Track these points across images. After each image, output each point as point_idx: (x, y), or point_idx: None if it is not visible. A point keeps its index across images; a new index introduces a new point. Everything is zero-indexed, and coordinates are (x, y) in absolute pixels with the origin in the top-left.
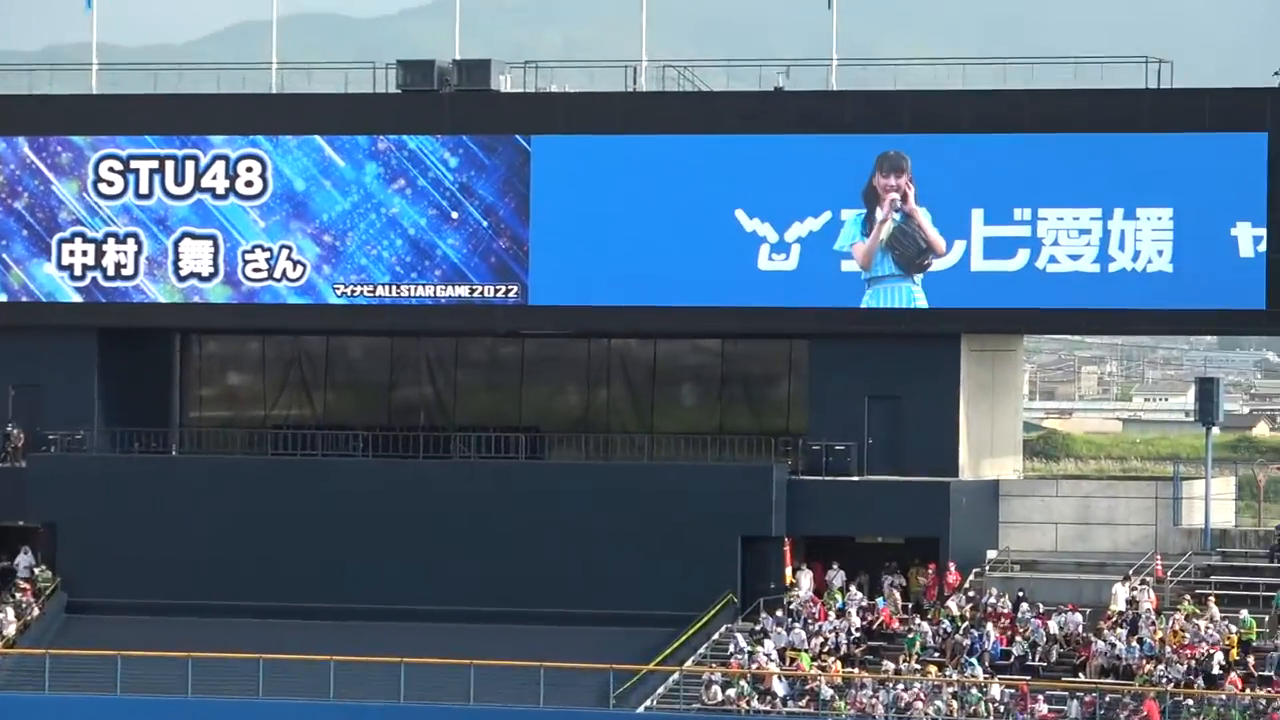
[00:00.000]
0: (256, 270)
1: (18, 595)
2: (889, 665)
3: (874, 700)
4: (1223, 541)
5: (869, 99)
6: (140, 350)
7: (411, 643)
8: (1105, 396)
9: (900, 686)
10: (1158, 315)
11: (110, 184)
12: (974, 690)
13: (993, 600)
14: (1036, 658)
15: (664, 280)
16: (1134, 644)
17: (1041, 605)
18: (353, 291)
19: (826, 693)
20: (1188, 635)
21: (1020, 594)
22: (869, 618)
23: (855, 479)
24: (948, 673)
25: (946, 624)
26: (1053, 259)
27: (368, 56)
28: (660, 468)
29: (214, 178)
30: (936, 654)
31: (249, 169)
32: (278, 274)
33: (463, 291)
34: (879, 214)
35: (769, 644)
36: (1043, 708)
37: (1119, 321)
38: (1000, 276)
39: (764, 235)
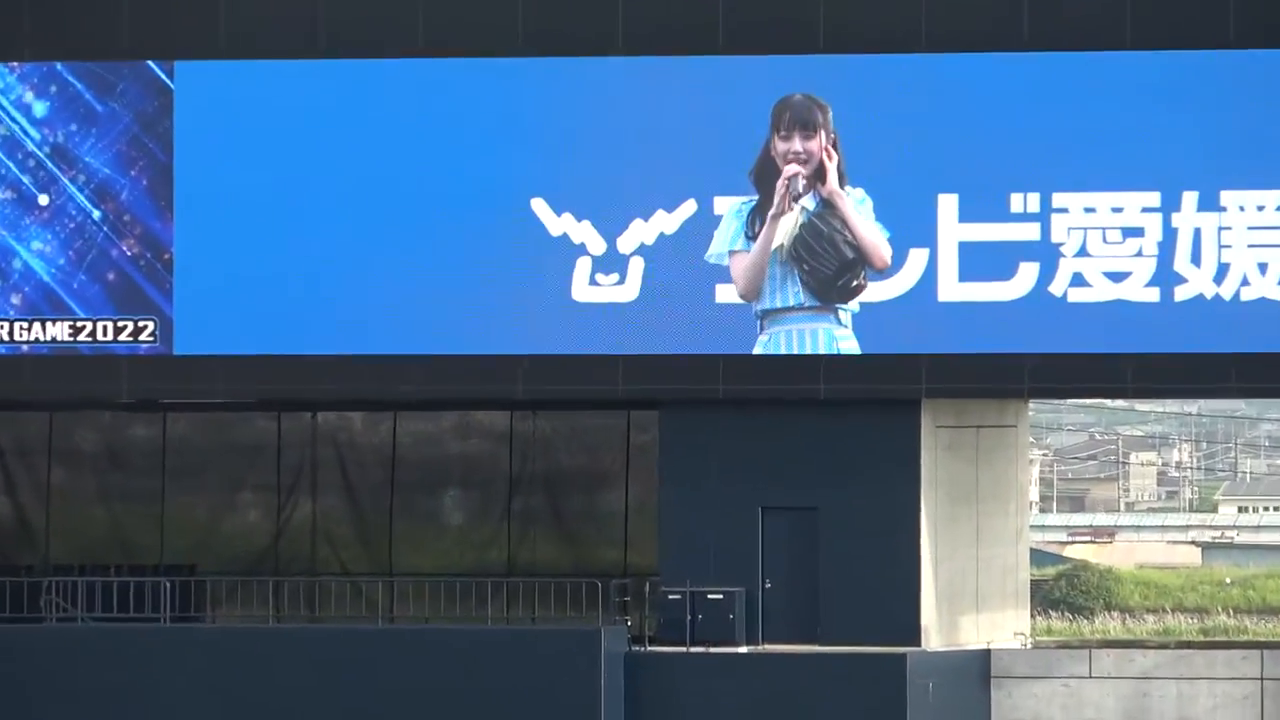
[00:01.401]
0: None
1: None
2: None
3: None
4: None
5: None
6: None
7: None
8: (1171, 505)
9: None
10: (1258, 366)
11: None
12: None
13: None
14: None
15: (410, 315)
16: None
17: None
18: None
19: None
20: None
21: None
22: None
23: (743, 651)
24: None
25: None
26: (1079, 279)
27: None
28: (407, 635)
29: None
30: None
31: None
32: None
33: (60, 332)
34: (776, 202)
35: None
36: None
37: (1193, 377)
38: (989, 309)
39: (582, 242)
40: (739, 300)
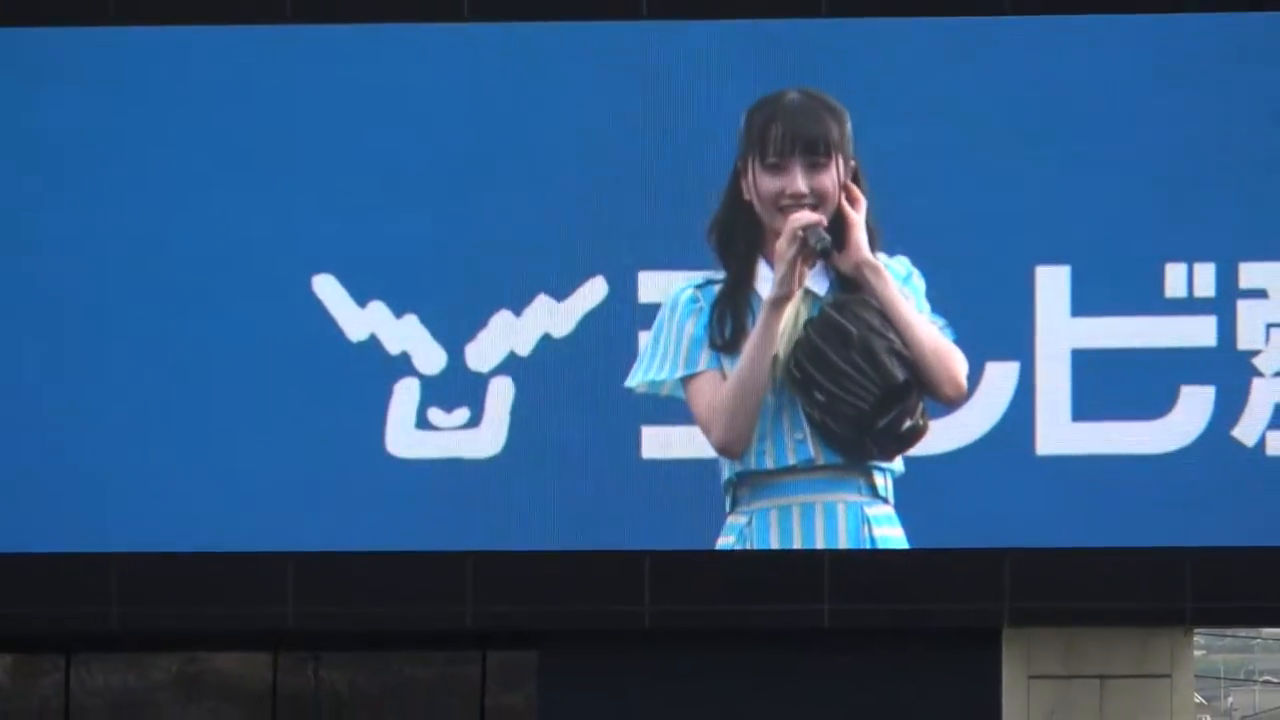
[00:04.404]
0: None
1: None
2: None
3: None
4: None
5: None
6: None
7: None
8: None
9: None
10: None
11: None
12: None
13: None
14: None
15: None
16: None
17: None
18: None
19: None
20: None
21: None
22: None
23: None
24: None
25: None
26: None
27: None
28: None
29: None
30: None
31: None
32: None
33: None
34: (762, 277)
35: None
36: None
37: None
38: (1124, 471)
39: (404, 351)
40: (707, 454)
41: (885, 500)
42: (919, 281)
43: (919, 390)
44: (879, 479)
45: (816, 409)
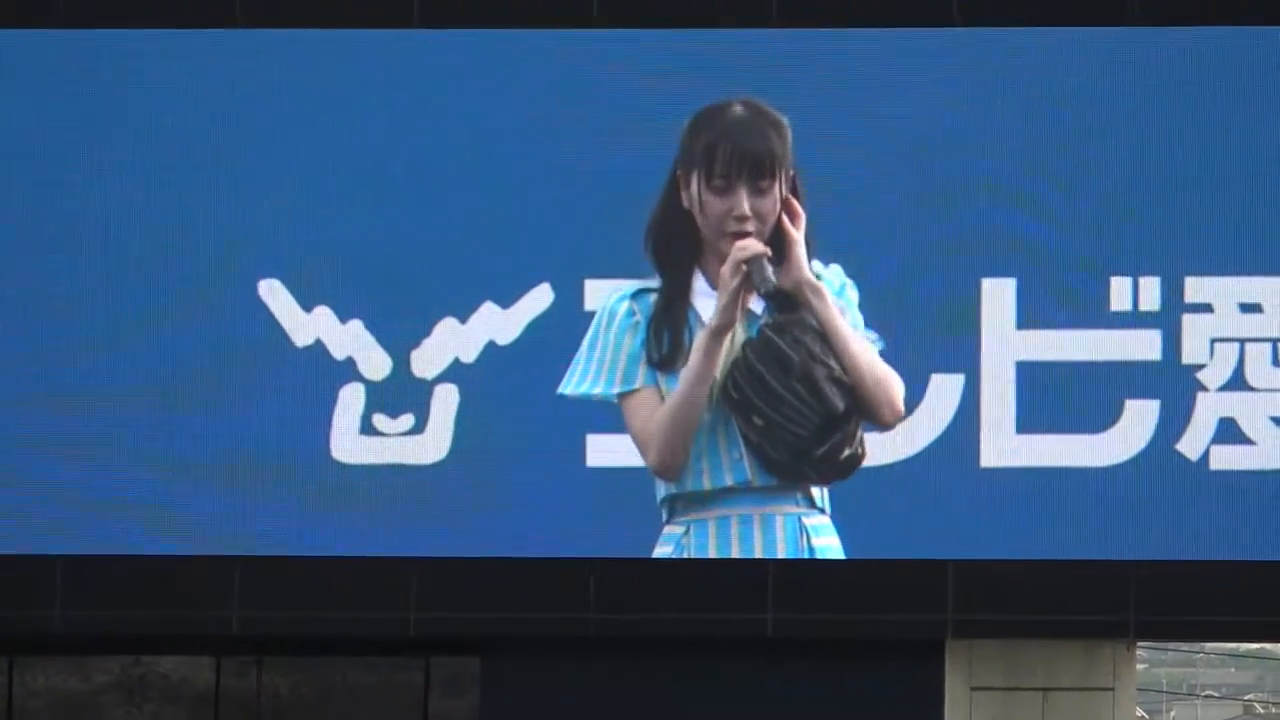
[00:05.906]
0: None
1: None
2: None
3: None
4: None
5: None
6: None
7: None
8: None
9: None
10: None
11: None
12: None
13: None
14: None
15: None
16: None
17: None
18: None
19: None
20: None
21: None
22: None
23: None
24: None
25: None
26: (1230, 430)
27: None
28: None
29: None
30: None
31: None
32: None
33: None
34: (699, 291)
35: None
36: None
37: None
38: (1068, 484)
39: (349, 357)
40: (639, 464)
41: (822, 511)
42: (853, 293)
43: (858, 417)
44: (815, 491)
45: (754, 432)
